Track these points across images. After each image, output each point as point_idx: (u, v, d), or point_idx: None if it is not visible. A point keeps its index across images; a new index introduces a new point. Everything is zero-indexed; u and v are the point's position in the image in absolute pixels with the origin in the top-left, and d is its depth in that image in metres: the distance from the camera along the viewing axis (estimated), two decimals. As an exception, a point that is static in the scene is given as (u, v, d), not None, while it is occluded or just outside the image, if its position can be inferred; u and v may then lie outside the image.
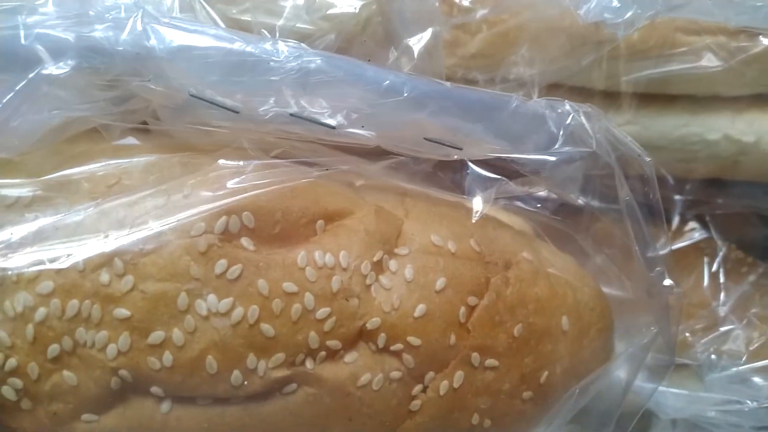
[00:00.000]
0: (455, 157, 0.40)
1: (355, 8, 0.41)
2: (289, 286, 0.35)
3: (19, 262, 0.34)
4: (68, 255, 0.34)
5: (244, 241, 0.36)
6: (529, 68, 0.55)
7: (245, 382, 0.35)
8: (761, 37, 0.53)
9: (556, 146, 0.41)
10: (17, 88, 0.31)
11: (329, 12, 0.41)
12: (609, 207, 0.45)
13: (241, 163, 0.38)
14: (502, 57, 0.56)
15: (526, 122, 0.40)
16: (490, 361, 0.40)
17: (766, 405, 0.56)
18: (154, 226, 0.34)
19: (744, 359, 0.57)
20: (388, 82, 0.36)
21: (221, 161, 0.38)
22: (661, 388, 0.53)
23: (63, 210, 0.35)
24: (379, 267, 0.38)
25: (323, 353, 0.37)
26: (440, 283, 0.39)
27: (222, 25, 0.41)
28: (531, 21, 0.53)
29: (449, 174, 0.43)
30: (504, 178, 0.41)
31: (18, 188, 0.35)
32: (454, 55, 0.57)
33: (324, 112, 0.37)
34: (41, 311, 0.33)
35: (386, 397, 0.38)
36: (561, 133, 0.41)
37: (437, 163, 0.43)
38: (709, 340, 0.59)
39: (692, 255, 0.64)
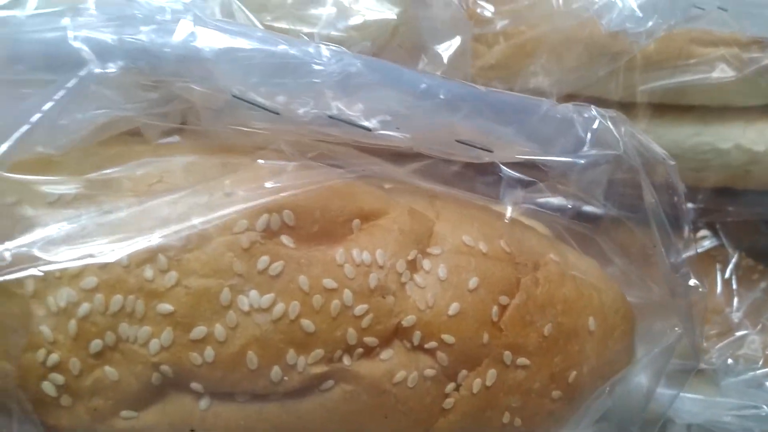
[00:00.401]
0: (486, 159, 0.41)
1: (384, 17, 0.42)
2: (329, 283, 0.36)
3: (62, 257, 0.34)
4: (112, 251, 0.34)
5: (285, 239, 0.37)
6: (547, 78, 0.57)
7: (285, 378, 0.35)
8: (774, 48, 0.55)
9: (584, 150, 0.42)
10: (68, 85, 0.32)
11: (359, 21, 0.42)
12: (630, 211, 0.46)
13: (280, 163, 0.39)
14: (520, 68, 0.58)
15: (555, 126, 0.41)
16: (522, 360, 0.40)
17: (782, 409, 0.57)
18: (197, 223, 0.35)
19: (761, 363, 0.57)
20: (424, 85, 0.37)
21: (260, 161, 0.38)
22: (672, 392, 0.54)
23: (106, 207, 0.35)
24: (413, 266, 0.39)
25: (360, 350, 0.37)
26: (473, 282, 0.39)
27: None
28: (549, 33, 0.54)
29: (477, 177, 0.44)
30: (535, 180, 0.42)
31: (60, 186, 0.36)
32: (473, 66, 0.58)
33: (360, 114, 0.38)
34: (85, 306, 0.34)
35: (421, 394, 0.39)
36: (588, 137, 0.42)
37: (464, 166, 0.44)
38: (724, 345, 0.60)
39: (705, 262, 0.65)
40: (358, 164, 0.41)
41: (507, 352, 0.40)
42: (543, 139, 0.41)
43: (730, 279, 0.64)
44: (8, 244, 0.33)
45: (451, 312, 0.39)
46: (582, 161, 0.41)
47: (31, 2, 0.35)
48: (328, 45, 0.36)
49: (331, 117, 0.37)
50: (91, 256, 0.34)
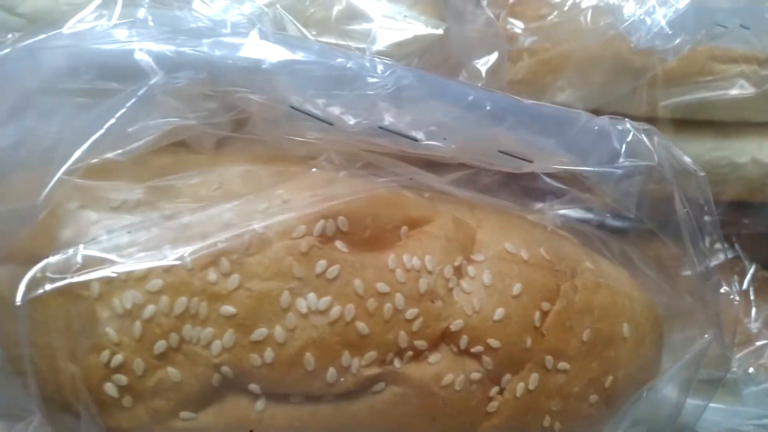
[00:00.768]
0: (526, 169, 0.43)
1: (430, 32, 0.44)
2: (382, 287, 0.37)
3: (127, 260, 0.35)
4: (176, 255, 0.35)
5: (338, 244, 0.38)
6: (573, 94, 0.59)
7: (340, 379, 0.36)
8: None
9: (619, 161, 0.44)
10: (139, 93, 0.34)
11: (408, 36, 0.44)
12: (660, 221, 0.48)
13: (331, 173, 0.40)
14: (546, 83, 0.59)
15: (592, 138, 0.43)
16: (562, 365, 0.42)
17: (804, 418, 0.58)
18: (258, 228, 0.36)
19: (782, 372, 0.59)
20: (471, 97, 0.39)
21: (314, 170, 0.40)
22: (699, 402, 0.55)
23: (168, 212, 0.36)
24: (459, 272, 0.40)
25: (410, 353, 0.38)
26: (516, 288, 0.41)
27: (308, 44, 0.43)
28: (575, 49, 0.57)
29: (512, 186, 0.46)
30: (572, 190, 0.43)
31: (122, 192, 0.37)
32: (499, 81, 0.60)
33: (409, 125, 0.39)
34: (150, 308, 0.35)
35: (467, 398, 0.40)
36: (623, 148, 0.44)
37: (500, 176, 0.46)
38: (744, 354, 0.61)
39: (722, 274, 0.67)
40: (402, 174, 0.42)
41: (549, 357, 0.41)
42: (580, 151, 0.43)
43: (747, 290, 0.65)
44: (78, 248, 0.34)
45: (496, 317, 0.40)
46: (619, 171, 0.43)
47: (116, 13, 0.36)
48: (382, 59, 0.37)
49: (381, 128, 0.39)
50: (155, 259, 0.35)
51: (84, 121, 0.34)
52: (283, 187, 0.38)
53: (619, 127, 0.44)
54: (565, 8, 0.53)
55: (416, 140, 0.40)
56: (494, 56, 0.46)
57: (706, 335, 0.47)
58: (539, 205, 0.45)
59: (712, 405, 0.63)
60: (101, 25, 0.36)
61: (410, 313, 0.38)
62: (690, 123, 0.62)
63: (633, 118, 0.62)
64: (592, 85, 0.58)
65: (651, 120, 0.62)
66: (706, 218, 0.45)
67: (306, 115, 0.38)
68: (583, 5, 0.52)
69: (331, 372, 0.36)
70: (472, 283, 0.40)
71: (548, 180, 0.43)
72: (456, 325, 0.39)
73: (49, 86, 0.35)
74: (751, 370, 0.60)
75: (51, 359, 0.35)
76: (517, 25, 0.54)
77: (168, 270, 0.35)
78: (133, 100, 0.33)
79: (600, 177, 0.44)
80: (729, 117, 0.61)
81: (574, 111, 0.42)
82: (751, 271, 0.66)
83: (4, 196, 0.34)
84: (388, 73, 0.37)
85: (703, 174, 0.45)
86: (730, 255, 0.70)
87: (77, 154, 0.33)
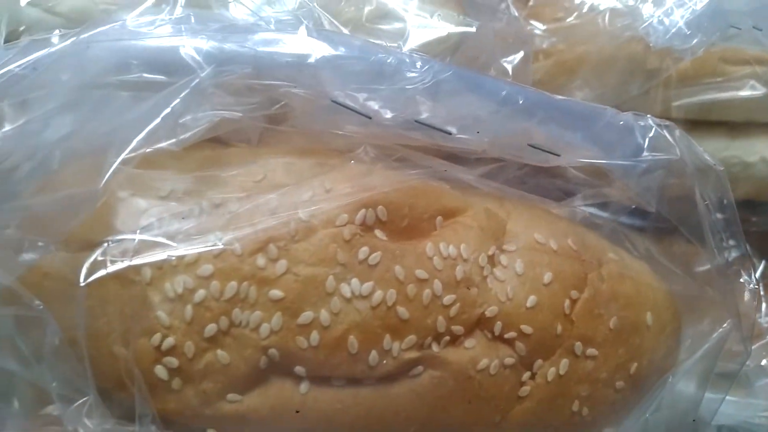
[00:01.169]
0: (553, 162, 0.45)
1: (464, 30, 0.46)
2: (421, 273, 0.39)
3: (175, 248, 0.36)
4: (226, 241, 0.36)
5: (378, 233, 0.39)
6: (589, 94, 0.60)
7: (382, 362, 0.38)
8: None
9: (643, 155, 0.46)
10: (192, 85, 0.35)
11: (443, 34, 0.46)
12: (679, 215, 0.49)
13: (368, 165, 0.42)
14: (562, 83, 0.61)
15: (617, 132, 0.44)
16: (591, 351, 0.43)
17: (815, 410, 0.60)
18: (303, 216, 0.37)
19: (794, 365, 0.60)
20: (505, 92, 0.40)
21: (352, 162, 0.41)
22: (714, 396, 0.57)
23: (216, 201, 0.38)
24: (492, 261, 0.42)
25: (447, 338, 0.39)
26: (547, 277, 0.42)
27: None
28: (592, 51, 0.58)
29: (540, 180, 0.47)
30: (600, 183, 0.45)
31: (170, 182, 0.38)
32: (515, 81, 0.62)
33: (444, 119, 0.41)
34: (201, 293, 0.36)
35: (501, 382, 0.41)
36: (646, 143, 0.46)
37: (528, 171, 0.48)
38: (757, 347, 0.62)
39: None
40: (434, 166, 0.44)
41: (578, 343, 0.43)
42: (606, 145, 0.44)
43: (757, 287, 0.67)
44: (132, 234, 0.35)
45: (529, 304, 0.41)
46: (643, 165, 0.44)
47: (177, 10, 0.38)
48: (421, 54, 0.39)
49: (417, 121, 0.41)
50: (206, 245, 0.36)
51: (137, 112, 0.35)
52: (325, 178, 0.40)
53: (642, 123, 0.46)
54: (584, 10, 0.55)
55: (450, 134, 0.41)
56: (520, 54, 0.48)
57: (725, 324, 0.49)
58: (563, 200, 0.47)
59: (719, 397, 0.65)
60: (151, 22, 0.37)
61: (448, 299, 0.39)
62: (702, 123, 0.64)
63: (649, 119, 0.65)
64: (607, 86, 0.60)
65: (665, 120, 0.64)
66: (726, 211, 0.47)
67: (346, 108, 0.39)
68: (602, 7, 0.54)
69: (373, 355, 0.38)
70: (505, 272, 0.42)
71: (575, 173, 0.45)
72: (491, 311, 0.40)
73: (102, 79, 0.36)
74: (763, 362, 0.61)
75: (104, 342, 0.36)
76: (537, 27, 0.56)
77: (218, 255, 0.36)
78: (186, 91, 0.35)
79: (624, 171, 0.45)
80: (740, 117, 0.63)
81: (600, 106, 0.44)
82: (761, 268, 0.68)
83: (61, 185, 0.36)
84: (426, 68, 0.39)
85: (722, 168, 0.47)
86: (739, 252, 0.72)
87: (135, 142, 0.34)
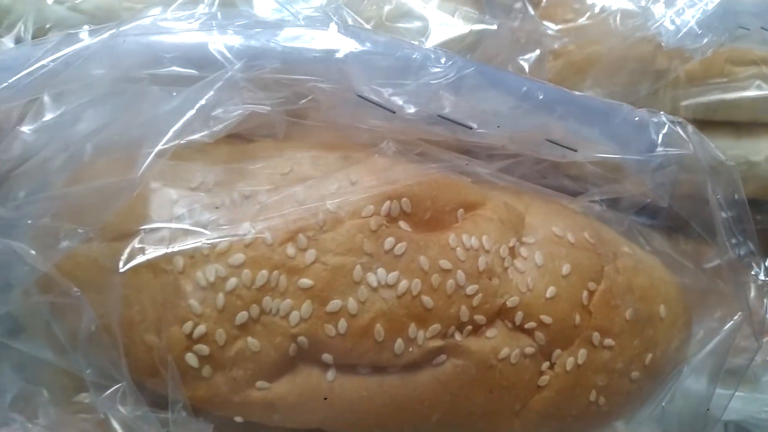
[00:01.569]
0: (570, 157, 0.46)
1: (485, 27, 0.47)
2: (445, 263, 0.40)
3: (208, 237, 0.37)
4: (256, 231, 0.37)
5: (402, 224, 0.40)
6: (598, 94, 0.61)
7: (408, 350, 0.39)
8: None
9: (657, 150, 0.47)
10: (226, 77, 0.36)
11: (465, 31, 0.47)
12: (691, 209, 0.50)
13: (391, 158, 0.43)
14: (572, 84, 0.62)
15: (633, 128, 0.45)
16: (608, 341, 0.44)
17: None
18: (331, 207, 0.38)
19: (801, 360, 0.61)
20: (525, 87, 0.42)
21: (376, 156, 0.42)
22: (722, 391, 0.58)
23: (246, 192, 0.39)
24: (512, 252, 0.43)
25: (470, 327, 0.40)
26: (565, 268, 0.43)
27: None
28: (603, 51, 0.59)
29: (555, 175, 0.48)
30: (616, 179, 0.46)
31: (199, 173, 0.39)
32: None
33: (466, 113, 0.42)
34: (232, 281, 0.37)
35: (521, 371, 0.42)
36: (659, 139, 0.47)
37: (544, 166, 0.49)
38: (764, 342, 0.64)
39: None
40: (454, 161, 0.45)
41: (596, 334, 0.44)
42: (621, 140, 0.46)
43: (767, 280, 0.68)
44: (165, 224, 0.36)
45: (548, 295, 0.42)
46: (657, 160, 0.45)
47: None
48: (445, 50, 0.40)
49: (440, 116, 0.42)
50: (237, 234, 0.37)
51: (170, 105, 0.36)
52: (350, 171, 0.41)
53: (655, 120, 0.47)
54: (596, 11, 0.56)
55: (471, 128, 0.42)
56: (536, 53, 0.49)
57: (736, 317, 0.50)
58: (591, 192, 0.48)
59: (730, 393, 0.66)
60: (181, 18, 0.38)
61: (470, 289, 0.40)
62: (708, 122, 0.65)
63: (657, 118, 0.66)
64: (617, 86, 0.61)
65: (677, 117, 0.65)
66: (737, 206, 0.48)
67: (371, 103, 0.40)
68: (613, 8, 0.55)
69: (399, 343, 0.38)
70: (525, 263, 0.43)
71: (591, 168, 0.46)
72: (512, 301, 0.41)
73: (135, 73, 0.37)
74: (769, 357, 0.62)
75: (136, 330, 0.37)
76: (549, 27, 0.57)
77: (249, 245, 0.37)
78: (219, 84, 0.36)
79: (638, 166, 0.47)
80: (746, 117, 0.64)
81: (617, 103, 0.45)
82: (766, 264, 0.69)
83: (94, 176, 0.36)
84: (450, 63, 0.40)
85: (732, 164, 0.48)
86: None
87: (171, 132, 0.35)
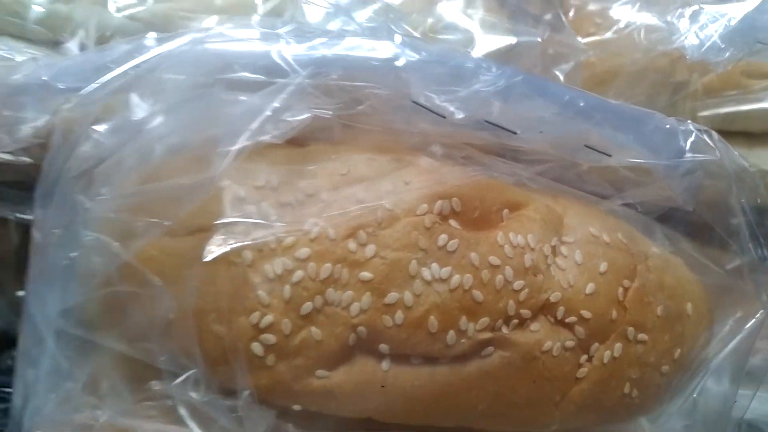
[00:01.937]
0: (605, 162, 0.48)
1: (529, 39, 0.50)
2: (494, 260, 0.42)
3: (276, 231, 0.39)
4: (320, 227, 0.40)
5: (452, 222, 0.43)
6: (622, 103, 0.65)
7: (460, 341, 0.41)
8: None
9: (685, 157, 0.49)
10: (296, 82, 0.38)
11: (497, 46, 0.49)
12: (715, 214, 0.53)
13: (439, 161, 0.45)
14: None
15: (664, 135, 0.48)
16: (641, 336, 0.47)
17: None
18: (388, 206, 0.41)
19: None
20: (567, 96, 0.44)
21: (426, 159, 0.45)
22: (744, 392, 0.60)
23: (309, 191, 0.41)
24: (554, 251, 0.45)
25: (516, 321, 0.43)
26: (603, 266, 0.46)
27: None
28: (624, 65, 0.63)
29: (590, 178, 0.51)
30: (645, 182, 0.49)
31: (263, 173, 0.42)
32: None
33: (512, 119, 0.44)
34: (298, 273, 0.39)
35: (562, 363, 0.44)
36: (687, 146, 0.50)
37: (580, 170, 0.51)
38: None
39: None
40: (496, 164, 0.47)
41: (630, 328, 0.46)
42: (653, 147, 0.48)
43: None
44: (236, 219, 0.38)
45: (587, 291, 0.45)
46: (686, 166, 0.48)
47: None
48: (495, 60, 0.43)
49: (487, 121, 0.44)
50: (303, 230, 0.39)
51: (242, 108, 0.39)
52: (403, 172, 0.43)
53: (683, 128, 0.50)
54: (621, 25, 0.59)
55: (515, 133, 0.45)
56: (571, 64, 0.52)
57: (758, 315, 0.52)
58: (623, 195, 0.50)
59: (744, 392, 0.68)
60: (251, 25, 0.41)
61: (517, 284, 0.42)
62: (725, 133, 0.68)
63: (674, 128, 0.70)
64: (638, 97, 0.64)
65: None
66: (760, 211, 0.51)
67: (424, 108, 0.43)
68: (638, 22, 0.58)
69: (451, 335, 0.41)
70: (565, 261, 0.45)
71: (625, 173, 0.48)
72: (555, 297, 0.44)
73: (206, 79, 0.39)
74: (784, 356, 0.65)
75: (205, 320, 0.39)
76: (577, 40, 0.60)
77: (314, 240, 0.39)
78: (290, 88, 0.38)
79: (667, 171, 0.49)
80: (759, 127, 0.67)
81: (649, 111, 0.48)
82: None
83: (170, 173, 0.39)
84: (500, 72, 0.42)
85: (754, 170, 0.51)
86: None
87: (248, 132, 0.37)
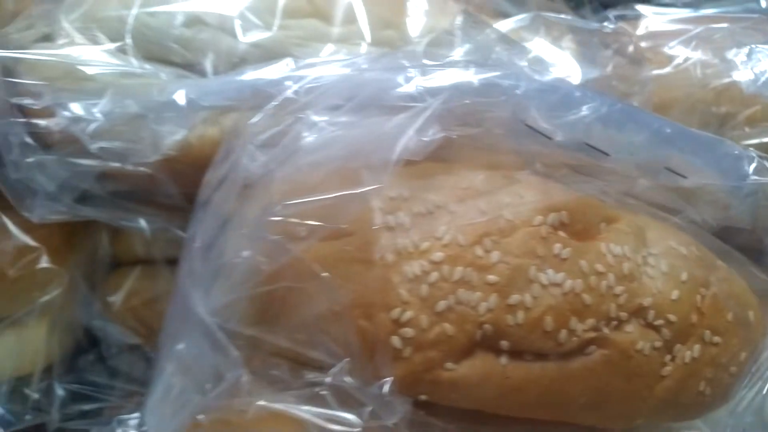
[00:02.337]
0: (682, 183, 0.54)
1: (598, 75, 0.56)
2: (599, 267, 0.47)
3: (412, 238, 0.44)
4: (451, 234, 0.44)
5: (561, 233, 0.48)
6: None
7: (570, 339, 0.46)
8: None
9: (747, 180, 0.56)
10: (434, 106, 0.43)
11: (590, 76, 0.55)
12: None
13: (543, 178, 0.50)
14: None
15: (732, 160, 0.54)
16: (716, 339, 0.52)
17: None
18: (508, 216, 0.46)
19: None
20: (657, 124, 0.50)
21: (533, 176, 0.50)
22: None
23: (437, 203, 0.46)
24: (644, 260, 0.50)
25: (615, 322, 0.48)
26: (684, 276, 0.51)
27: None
28: (678, 98, 0.69)
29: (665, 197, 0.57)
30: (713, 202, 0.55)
31: (394, 187, 0.46)
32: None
33: (607, 142, 0.50)
34: (434, 275, 0.43)
35: (651, 362, 0.49)
36: (750, 171, 0.56)
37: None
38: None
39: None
40: (589, 182, 0.53)
41: (707, 332, 0.51)
42: (722, 170, 0.54)
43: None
44: (380, 225, 0.43)
45: (673, 297, 0.50)
46: (751, 187, 0.54)
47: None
48: (596, 90, 0.48)
49: (587, 144, 0.50)
50: (436, 236, 0.44)
51: (387, 127, 0.43)
52: (516, 187, 0.48)
53: (747, 154, 0.56)
54: (679, 61, 0.65)
55: (608, 155, 0.51)
56: (643, 95, 0.58)
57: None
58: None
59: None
60: (395, 55, 0.46)
61: (618, 289, 0.47)
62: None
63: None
64: (692, 127, 0.70)
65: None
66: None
67: (533, 131, 0.48)
68: (694, 58, 0.65)
69: (563, 333, 0.45)
70: (653, 270, 0.50)
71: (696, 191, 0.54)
72: (647, 301, 0.49)
73: (359, 102, 0.44)
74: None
75: (353, 315, 0.43)
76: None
77: (446, 245, 0.44)
78: (428, 112, 0.43)
79: (734, 193, 0.55)
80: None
81: (720, 138, 0.54)
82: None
83: (322, 185, 0.43)
84: (601, 100, 0.48)
85: (811, 194, 0.57)
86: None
87: (396, 150, 0.42)
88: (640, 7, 0.74)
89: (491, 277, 0.44)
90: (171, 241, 0.64)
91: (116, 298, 0.66)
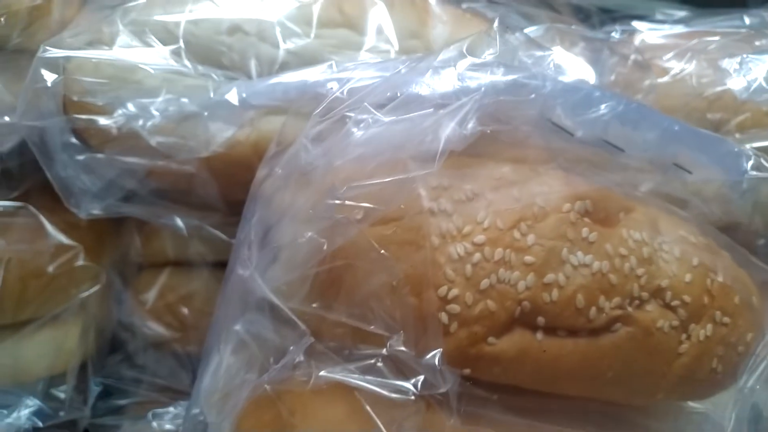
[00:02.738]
0: (686, 178, 0.59)
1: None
2: (622, 251, 0.51)
3: (455, 222, 0.48)
4: (491, 219, 0.48)
5: (587, 219, 0.52)
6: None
7: (600, 316, 0.49)
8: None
9: (747, 176, 0.61)
10: (473, 101, 0.48)
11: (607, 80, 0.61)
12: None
13: (566, 172, 0.55)
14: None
15: (733, 157, 0.59)
16: (726, 319, 0.56)
17: None
18: (541, 203, 0.50)
19: None
20: (667, 122, 0.55)
21: (557, 170, 0.54)
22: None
23: (475, 191, 0.50)
24: (660, 246, 0.55)
25: (637, 302, 0.52)
26: (695, 261, 0.56)
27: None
28: (676, 106, 0.75)
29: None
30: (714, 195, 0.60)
31: (434, 176, 0.50)
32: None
33: (623, 139, 0.55)
34: (477, 256, 0.47)
35: (669, 339, 0.53)
36: (749, 167, 0.61)
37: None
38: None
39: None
40: (606, 175, 0.57)
41: (718, 312, 0.56)
42: (724, 166, 0.59)
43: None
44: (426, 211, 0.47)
45: (686, 280, 0.54)
46: (751, 182, 0.59)
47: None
48: (612, 90, 0.53)
49: (605, 141, 0.54)
50: (476, 220, 0.48)
51: (430, 121, 0.47)
52: (543, 179, 0.53)
53: (745, 151, 0.61)
54: (676, 71, 0.71)
55: (623, 151, 0.55)
56: (649, 98, 0.63)
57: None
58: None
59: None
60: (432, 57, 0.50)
61: (640, 271, 0.52)
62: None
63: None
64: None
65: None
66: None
67: (557, 127, 0.53)
68: (689, 69, 0.70)
69: (593, 311, 0.49)
70: (668, 255, 0.55)
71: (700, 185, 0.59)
72: (665, 283, 0.53)
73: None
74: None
75: (402, 293, 0.46)
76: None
77: (487, 229, 0.48)
78: (467, 108, 0.47)
79: (734, 186, 0.60)
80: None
81: (721, 136, 0.59)
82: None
83: (366, 175, 0.47)
84: (617, 100, 0.53)
85: (806, 188, 0.63)
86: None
87: (441, 142, 0.46)
88: (637, 24, 0.81)
89: (528, 258, 0.48)
90: (205, 240, 0.66)
91: (149, 296, 0.68)
